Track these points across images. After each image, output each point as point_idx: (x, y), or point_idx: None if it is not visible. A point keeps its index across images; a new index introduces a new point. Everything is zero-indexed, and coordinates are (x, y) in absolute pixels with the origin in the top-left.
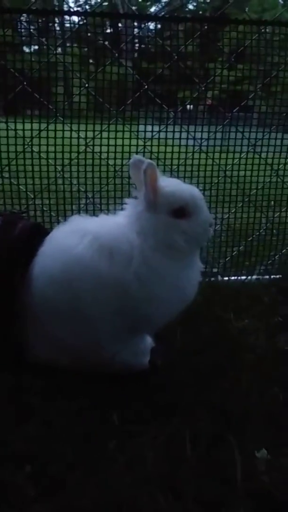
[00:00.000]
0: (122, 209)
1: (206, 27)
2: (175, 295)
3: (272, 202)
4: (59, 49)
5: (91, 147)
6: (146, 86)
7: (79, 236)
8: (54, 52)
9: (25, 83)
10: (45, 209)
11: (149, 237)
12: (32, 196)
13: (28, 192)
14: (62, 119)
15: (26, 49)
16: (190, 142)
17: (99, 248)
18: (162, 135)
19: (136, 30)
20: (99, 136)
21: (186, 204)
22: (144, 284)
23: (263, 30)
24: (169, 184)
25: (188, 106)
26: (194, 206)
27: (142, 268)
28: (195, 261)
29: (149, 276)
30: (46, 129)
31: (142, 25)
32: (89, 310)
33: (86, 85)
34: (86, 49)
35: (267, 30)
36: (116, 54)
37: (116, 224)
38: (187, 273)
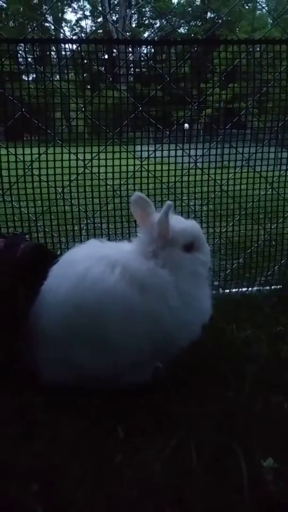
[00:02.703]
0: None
1: (196, 48)
2: (200, 318)
3: (269, 214)
4: (57, 76)
5: (90, 168)
6: (140, 108)
7: (108, 266)
8: (50, 79)
9: (23, 109)
10: (47, 230)
11: (180, 271)
12: (34, 218)
13: (30, 215)
14: (60, 142)
15: (25, 78)
16: (186, 159)
17: (130, 280)
18: (158, 154)
19: (130, 54)
20: (97, 157)
21: (195, 238)
22: (177, 315)
23: (250, 49)
24: (176, 221)
25: (185, 125)
26: (200, 239)
27: (177, 302)
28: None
29: (182, 308)
30: (45, 152)
31: (136, 50)
32: (116, 340)
33: (83, 109)
34: (83, 75)
35: (257, 48)
36: (110, 78)
37: (140, 256)
38: (206, 296)
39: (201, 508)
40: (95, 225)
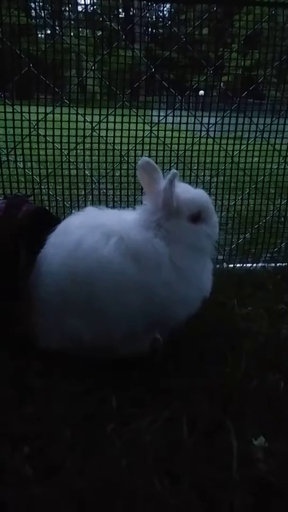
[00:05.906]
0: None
1: (215, 8)
2: (199, 293)
3: (280, 190)
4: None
5: (98, 131)
6: (153, 70)
7: (104, 236)
8: (60, 34)
9: (31, 65)
10: (51, 193)
11: (179, 243)
12: (38, 181)
13: (34, 176)
14: (68, 102)
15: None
16: (198, 127)
17: (125, 251)
18: (170, 120)
19: (146, 11)
20: (105, 120)
21: (202, 209)
22: (172, 288)
23: (273, 12)
24: (183, 190)
25: (200, 92)
26: (208, 210)
27: (172, 275)
28: (209, 257)
29: (177, 281)
30: (52, 112)
31: (152, 7)
32: (110, 311)
33: (92, 68)
34: (95, 33)
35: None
36: (123, 36)
37: (138, 226)
38: (206, 270)
39: (189, 481)
40: (101, 191)
